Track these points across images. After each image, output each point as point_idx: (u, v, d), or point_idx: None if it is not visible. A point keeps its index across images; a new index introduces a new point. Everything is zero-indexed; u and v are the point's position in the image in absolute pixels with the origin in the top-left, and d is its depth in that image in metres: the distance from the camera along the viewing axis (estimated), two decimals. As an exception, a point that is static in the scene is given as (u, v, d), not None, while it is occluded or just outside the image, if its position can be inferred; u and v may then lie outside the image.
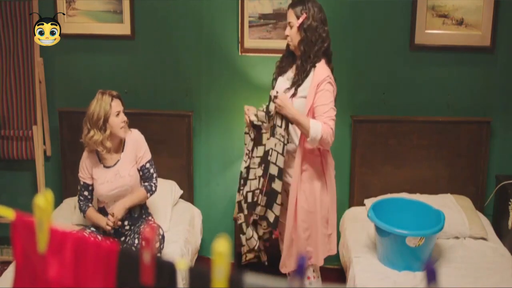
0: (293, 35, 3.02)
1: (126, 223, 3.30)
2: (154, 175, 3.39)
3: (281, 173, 2.98)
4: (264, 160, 3.03)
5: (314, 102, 2.94)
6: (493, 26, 3.79)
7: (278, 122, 2.96)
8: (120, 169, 3.28)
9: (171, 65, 4.04)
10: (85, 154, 3.31)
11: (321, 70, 2.97)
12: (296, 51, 3.06)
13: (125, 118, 3.25)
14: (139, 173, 3.35)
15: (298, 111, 2.93)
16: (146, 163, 3.36)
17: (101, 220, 3.25)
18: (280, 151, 2.97)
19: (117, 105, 3.21)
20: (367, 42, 3.92)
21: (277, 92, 2.98)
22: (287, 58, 3.15)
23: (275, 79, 3.19)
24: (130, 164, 3.31)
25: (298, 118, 2.89)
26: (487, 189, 3.98)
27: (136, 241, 3.20)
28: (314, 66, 2.98)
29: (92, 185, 3.31)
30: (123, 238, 3.30)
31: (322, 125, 2.87)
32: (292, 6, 3.03)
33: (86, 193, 3.33)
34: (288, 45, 3.11)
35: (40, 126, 3.97)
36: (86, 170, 3.31)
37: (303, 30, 2.98)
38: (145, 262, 1.20)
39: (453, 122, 3.92)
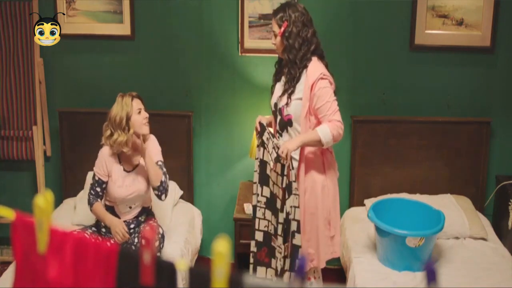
0: (278, 44, 3.04)
1: (132, 226, 3.31)
2: (166, 175, 3.32)
3: (299, 226, 2.87)
4: (286, 221, 2.89)
5: (313, 104, 2.93)
6: (493, 26, 3.79)
7: (293, 177, 2.85)
8: (138, 174, 3.29)
9: (171, 66, 4.04)
10: (106, 150, 3.27)
11: (313, 69, 2.95)
12: (283, 58, 3.08)
13: (146, 115, 3.26)
14: None
15: (301, 137, 2.91)
16: (157, 162, 3.31)
17: (108, 218, 3.24)
18: (297, 204, 2.86)
19: (137, 104, 3.23)
20: (367, 43, 3.92)
21: (277, 148, 2.92)
22: (280, 64, 3.16)
23: (273, 86, 3.19)
24: (144, 171, 3.28)
25: (307, 141, 2.90)
26: (487, 189, 3.98)
27: (136, 240, 3.20)
28: (306, 67, 2.97)
29: (106, 182, 3.29)
30: None
31: (328, 125, 2.89)
32: (274, 15, 3.05)
33: (98, 189, 3.29)
34: None
35: (40, 126, 3.98)
36: (105, 167, 3.28)
37: (285, 38, 2.98)
38: (145, 263, 1.20)
39: (453, 123, 3.92)
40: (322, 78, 2.93)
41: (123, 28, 3.96)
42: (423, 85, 3.95)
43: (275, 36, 3.04)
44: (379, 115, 3.98)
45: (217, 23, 3.95)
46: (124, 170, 3.28)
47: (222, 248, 1.10)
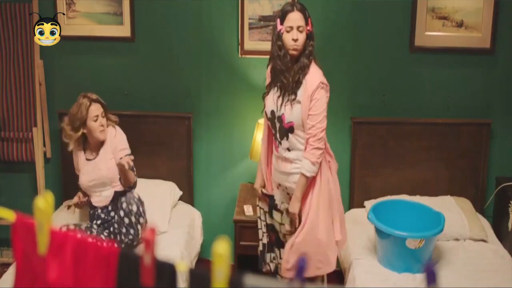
0: (302, 40, 2.88)
1: (110, 208, 3.38)
2: (134, 170, 3.40)
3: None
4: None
5: (308, 110, 2.88)
6: (493, 28, 3.79)
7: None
8: (98, 162, 3.39)
9: (171, 67, 4.04)
10: (73, 148, 3.45)
11: (312, 76, 2.89)
12: (293, 57, 2.92)
13: (102, 122, 3.35)
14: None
15: (297, 193, 2.94)
16: (126, 154, 3.38)
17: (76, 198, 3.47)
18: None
19: (95, 110, 3.32)
20: (367, 44, 3.92)
21: (286, 213, 3.02)
22: (275, 72, 2.99)
23: (267, 93, 3.08)
24: (108, 158, 3.38)
25: (302, 191, 2.93)
26: (487, 191, 3.98)
27: (106, 233, 3.32)
28: (306, 72, 2.90)
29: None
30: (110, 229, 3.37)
31: (308, 159, 2.87)
32: (300, 10, 2.88)
33: None
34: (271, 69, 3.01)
35: (40, 128, 3.97)
36: (75, 157, 3.50)
37: (308, 37, 2.89)
38: (145, 264, 1.20)
39: (453, 124, 3.92)
40: (321, 88, 2.86)
41: (123, 30, 3.96)
42: (423, 86, 3.95)
43: (300, 31, 2.86)
44: (379, 116, 3.98)
45: (217, 24, 3.95)
46: (86, 159, 3.44)
47: (222, 249, 1.10)
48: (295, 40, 2.87)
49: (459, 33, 3.83)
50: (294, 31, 2.87)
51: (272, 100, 3.00)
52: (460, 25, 3.82)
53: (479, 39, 3.82)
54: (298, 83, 2.90)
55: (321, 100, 2.87)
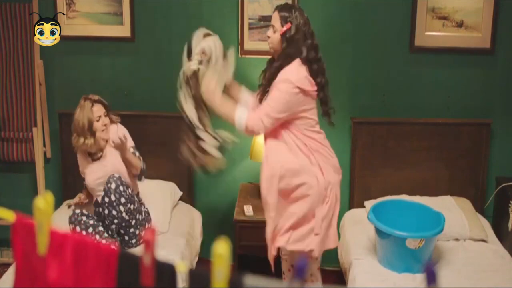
0: (274, 40, 2.95)
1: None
2: (141, 158, 3.50)
3: None
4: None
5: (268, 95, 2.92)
6: (493, 28, 3.79)
7: None
8: (104, 160, 3.45)
9: (171, 67, 4.03)
10: (78, 154, 3.54)
11: (284, 71, 2.89)
12: (274, 54, 3.01)
13: (105, 122, 3.43)
14: None
15: (218, 98, 2.95)
16: (129, 147, 3.47)
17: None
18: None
19: (97, 110, 3.40)
20: (367, 44, 3.92)
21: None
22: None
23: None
24: (113, 155, 3.41)
25: (222, 107, 2.95)
26: (487, 191, 3.98)
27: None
28: (282, 68, 2.91)
29: None
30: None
31: (251, 114, 2.88)
32: (279, 10, 2.94)
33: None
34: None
35: (40, 128, 3.97)
36: (80, 165, 3.55)
37: (285, 39, 2.90)
38: (145, 264, 1.20)
39: (453, 124, 3.92)
40: (283, 82, 2.85)
41: (123, 30, 3.96)
42: (423, 86, 3.95)
43: (274, 31, 2.95)
44: (379, 116, 3.98)
45: (217, 24, 3.94)
46: (92, 159, 3.50)
47: (222, 250, 1.10)
48: (268, 37, 2.99)
49: (459, 33, 3.83)
50: (270, 29, 2.99)
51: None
52: (460, 25, 3.82)
53: (479, 39, 3.82)
54: (270, 83, 2.94)
55: (280, 93, 2.85)
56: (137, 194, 3.54)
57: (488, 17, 3.78)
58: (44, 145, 4.08)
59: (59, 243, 1.29)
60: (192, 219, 3.92)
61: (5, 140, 4.04)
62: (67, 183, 4.07)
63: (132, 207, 3.33)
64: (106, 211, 3.27)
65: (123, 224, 3.30)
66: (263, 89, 3.00)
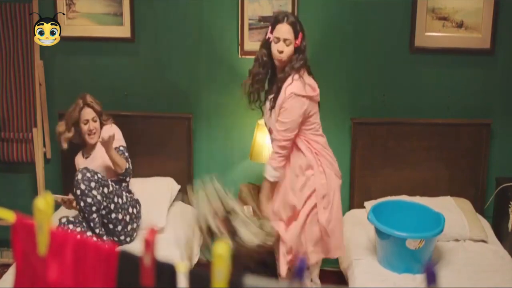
0: (289, 53, 2.88)
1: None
2: (129, 160, 3.54)
3: None
4: None
5: (278, 116, 2.94)
6: (493, 28, 3.79)
7: None
8: (94, 156, 3.51)
9: (171, 68, 4.04)
10: (67, 146, 3.62)
11: (289, 86, 2.89)
12: (279, 67, 2.96)
13: (92, 127, 3.49)
14: None
15: (263, 196, 3.12)
16: (119, 146, 3.51)
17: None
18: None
19: (87, 114, 3.47)
20: (367, 45, 3.92)
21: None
22: (271, 81, 3.08)
23: (265, 102, 3.15)
24: (103, 151, 3.43)
25: (267, 193, 3.10)
26: (487, 191, 3.98)
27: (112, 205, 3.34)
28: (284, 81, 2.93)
29: None
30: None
31: (269, 162, 3.00)
32: (289, 22, 2.88)
33: None
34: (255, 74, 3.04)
35: (40, 128, 3.97)
36: (77, 166, 3.61)
37: (299, 51, 2.88)
38: (145, 264, 1.20)
39: (453, 124, 3.92)
40: (289, 98, 2.87)
41: (123, 30, 3.96)
42: (423, 87, 3.95)
43: (287, 44, 2.87)
44: (379, 117, 3.98)
45: (217, 25, 3.95)
46: (83, 156, 3.61)
47: (222, 250, 1.10)
48: (280, 52, 2.89)
49: (459, 33, 3.83)
50: (280, 43, 2.89)
51: (265, 112, 3.14)
52: (460, 25, 3.82)
53: (479, 39, 3.82)
54: (278, 92, 2.94)
55: (290, 110, 2.88)
56: (127, 187, 3.58)
57: (488, 18, 3.78)
58: (44, 146, 4.08)
59: (59, 243, 1.29)
60: (192, 220, 3.91)
61: (5, 141, 4.04)
62: (67, 183, 4.06)
63: (106, 190, 3.31)
64: (82, 204, 3.23)
65: (102, 209, 3.27)
66: (272, 107, 3.01)
